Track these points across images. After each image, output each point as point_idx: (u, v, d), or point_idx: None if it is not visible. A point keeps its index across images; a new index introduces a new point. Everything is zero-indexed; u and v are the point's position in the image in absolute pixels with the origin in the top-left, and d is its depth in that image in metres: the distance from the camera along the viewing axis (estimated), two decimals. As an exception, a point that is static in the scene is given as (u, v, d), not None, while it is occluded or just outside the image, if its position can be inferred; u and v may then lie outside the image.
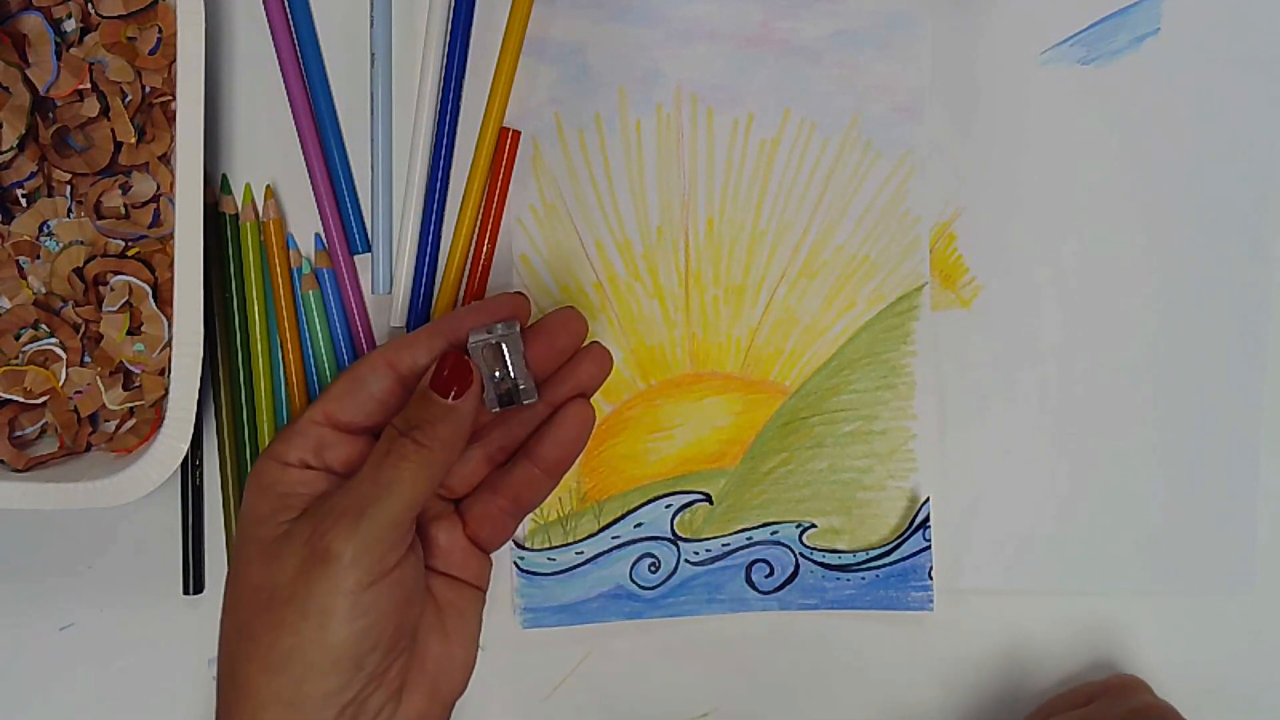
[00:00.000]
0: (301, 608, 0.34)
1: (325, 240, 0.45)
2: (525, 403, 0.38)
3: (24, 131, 0.42)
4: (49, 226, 0.44)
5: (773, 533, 0.46)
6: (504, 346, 0.37)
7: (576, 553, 0.46)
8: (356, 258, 0.45)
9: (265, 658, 0.35)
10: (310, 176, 0.45)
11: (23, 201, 0.43)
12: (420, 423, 0.36)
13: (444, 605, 0.39)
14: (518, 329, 0.38)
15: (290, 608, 0.35)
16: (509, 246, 0.45)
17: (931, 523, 0.46)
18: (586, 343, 0.40)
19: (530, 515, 0.46)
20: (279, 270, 0.45)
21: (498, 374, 0.38)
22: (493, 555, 0.41)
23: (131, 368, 0.44)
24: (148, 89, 0.43)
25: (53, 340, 0.44)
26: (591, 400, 0.40)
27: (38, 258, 0.44)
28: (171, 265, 0.40)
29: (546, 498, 0.41)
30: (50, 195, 0.43)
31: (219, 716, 0.36)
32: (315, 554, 0.35)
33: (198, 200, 0.40)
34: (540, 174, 0.45)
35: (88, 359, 0.44)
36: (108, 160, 0.43)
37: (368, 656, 0.35)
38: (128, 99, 0.43)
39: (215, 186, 0.45)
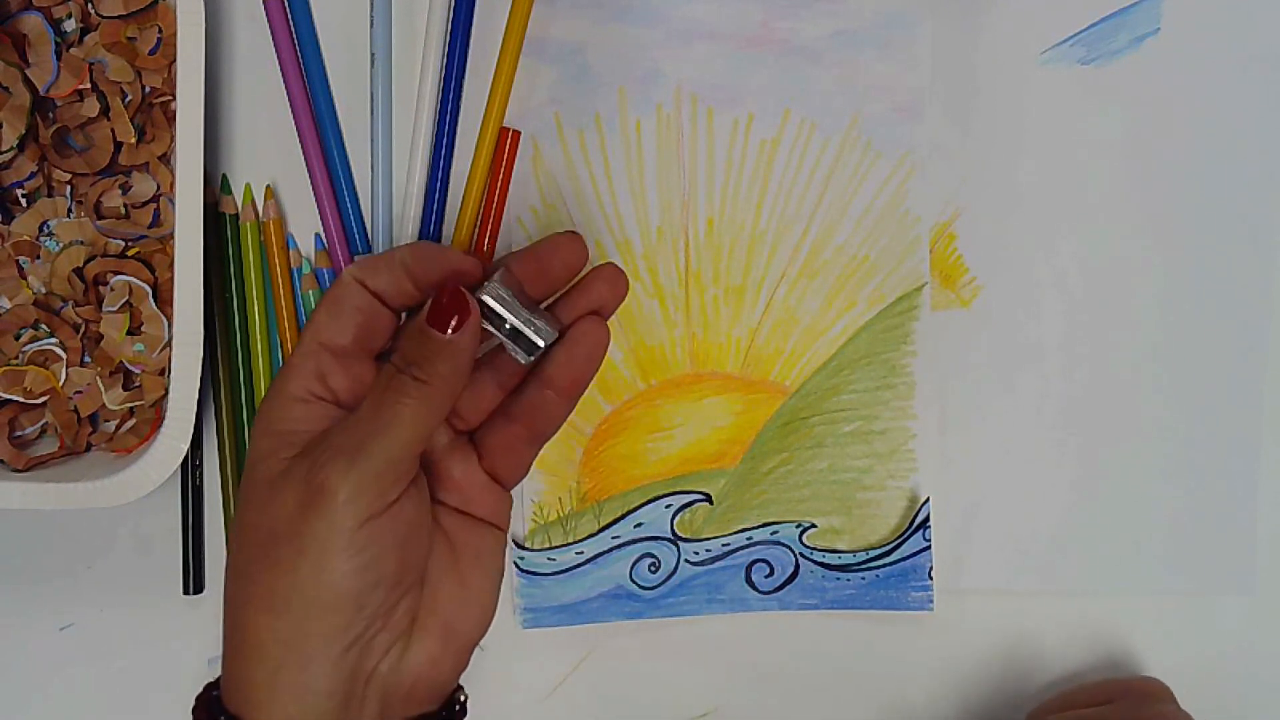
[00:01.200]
0: (299, 546, 0.34)
1: (325, 240, 0.45)
2: (548, 344, 0.37)
3: (24, 131, 0.42)
4: (49, 226, 0.44)
5: (773, 533, 0.46)
6: (487, 299, 0.36)
7: (576, 553, 0.46)
8: (356, 258, 0.45)
9: (265, 599, 0.34)
10: (310, 176, 0.45)
11: (23, 201, 0.43)
12: (418, 359, 0.35)
13: (459, 545, 0.38)
14: (498, 276, 0.37)
15: (288, 546, 0.34)
16: (509, 246, 0.45)
17: (931, 523, 0.46)
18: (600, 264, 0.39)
19: (530, 515, 0.46)
20: (279, 270, 0.45)
21: (508, 326, 0.37)
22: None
23: (131, 368, 0.44)
24: (148, 89, 0.43)
25: (53, 340, 0.44)
26: (607, 323, 0.39)
27: (38, 258, 0.44)
28: (171, 265, 0.40)
29: (562, 424, 0.39)
30: (50, 195, 0.44)
31: (224, 664, 0.36)
32: (311, 491, 0.34)
33: (198, 200, 0.40)
34: (540, 174, 0.45)
35: (88, 359, 0.44)
36: (108, 160, 0.43)
37: (368, 594, 0.34)
38: (128, 99, 0.43)
39: (215, 186, 0.45)
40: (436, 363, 0.35)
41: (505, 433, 0.39)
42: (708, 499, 0.46)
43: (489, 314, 0.37)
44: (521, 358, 0.37)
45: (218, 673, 0.37)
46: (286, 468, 0.35)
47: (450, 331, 0.35)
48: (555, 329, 0.38)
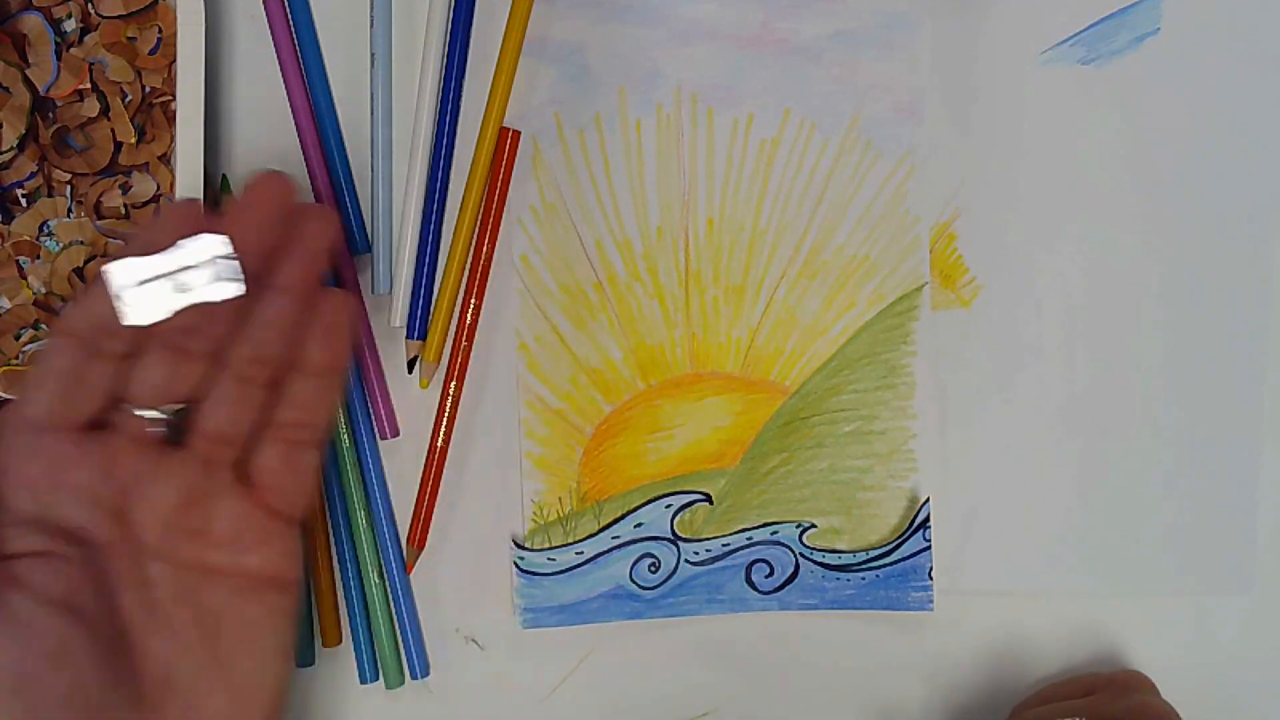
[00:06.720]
0: None
1: (325, 240, 0.45)
2: (230, 249, 0.32)
3: (24, 131, 0.42)
4: (49, 226, 0.44)
5: (773, 533, 0.46)
6: (116, 267, 0.32)
7: (576, 553, 0.46)
8: (356, 258, 0.45)
9: None
10: (310, 176, 0.45)
11: (23, 201, 0.43)
12: None
13: (224, 624, 0.30)
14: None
15: None
16: (509, 246, 0.45)
17: (931, 523, 0.46)
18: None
19: (530, 515, 0.46)
20: (279, 270, 0.44)
21: (172, 269, 0.32)
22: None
23: (131, 368, 0.44)
24: (148, 89, 0.43)
25: (53, 340, 0.44)
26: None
27: (38, 258, 0.44)
28: (171, 265, 0.40)
29: (333, 413, 0.35)
30: (50, 195, 0.44)
31: None
32: None
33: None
34: (540, 174, 0.45)
35: (88, 359, 0.44)
36: (108, 160, 0.43)
37: None
38: (128, 99, 0.43)
39: (215, 186, 0.45)
40: None
41: (277, 443, 0.33)
42: (708, 499, 0.46)
43: (137, 284, 0.32)
44: (234, 287, 0.32)
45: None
46: None
47: None
48: (220, 233, 0.32)
